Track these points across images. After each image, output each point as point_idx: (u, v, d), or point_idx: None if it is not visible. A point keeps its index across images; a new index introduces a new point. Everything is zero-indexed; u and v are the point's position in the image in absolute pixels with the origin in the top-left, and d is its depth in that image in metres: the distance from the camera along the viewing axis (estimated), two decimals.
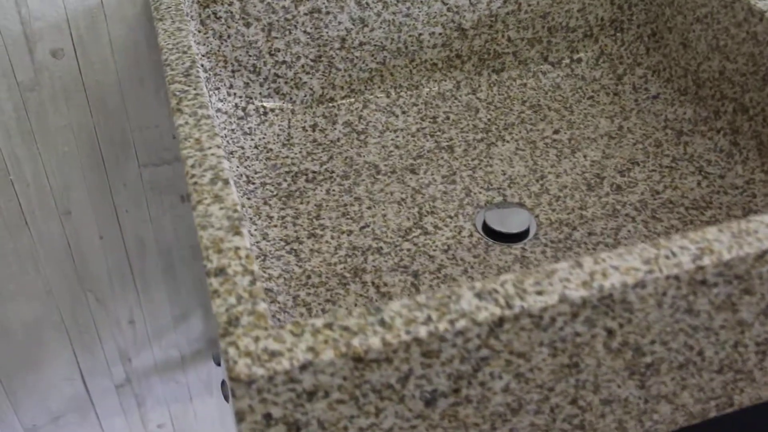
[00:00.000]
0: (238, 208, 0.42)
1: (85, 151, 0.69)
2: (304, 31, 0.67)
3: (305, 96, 0.70)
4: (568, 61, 0.78)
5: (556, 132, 0.71)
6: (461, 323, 0.36)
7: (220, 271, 0.38)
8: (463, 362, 0.38)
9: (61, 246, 0.74)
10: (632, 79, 0.77)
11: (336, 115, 0.70)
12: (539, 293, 0.37)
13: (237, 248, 0.40)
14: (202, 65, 0.64)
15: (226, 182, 0.43)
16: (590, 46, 0.78)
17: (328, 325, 0.35)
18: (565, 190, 0.65)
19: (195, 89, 0.51)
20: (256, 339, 0.35)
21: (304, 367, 0.34)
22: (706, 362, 0.47)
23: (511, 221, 0.62)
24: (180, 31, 0.57)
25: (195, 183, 0.43)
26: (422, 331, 0.35)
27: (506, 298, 0.37)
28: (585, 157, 0.69)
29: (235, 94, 0.67)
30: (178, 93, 0.50)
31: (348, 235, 0.60)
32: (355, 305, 0.55)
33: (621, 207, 0.64)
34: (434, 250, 0.60)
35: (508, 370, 0.39)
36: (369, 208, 0.63)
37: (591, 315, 0.39)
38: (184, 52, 0.55)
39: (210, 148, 0.46)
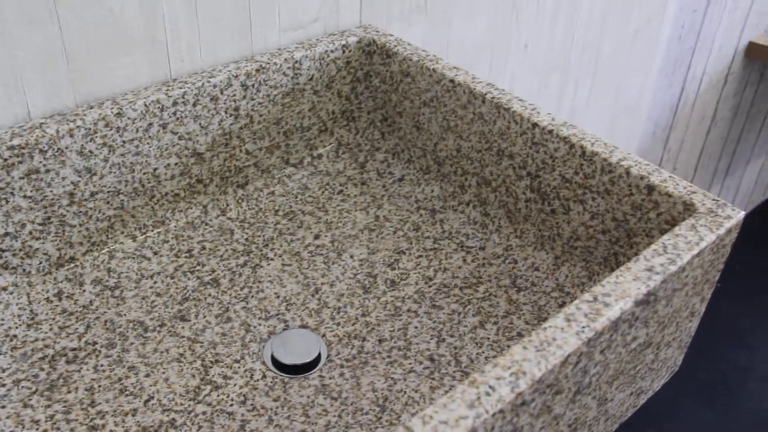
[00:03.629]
0: None
1: None
2: (24, 196, 0.59)
3: (41, 263, 0.62)
4: (309, 159, 0.77)
5: (317, 237, 0.70)
6: None
7: None
8: None
9: None
10: (375, 165, 0.77)
11: (81, 275, 0.63)
12: None
13: None
14: None
15: None
16: (327, 140, 0.78)
17: None
18: (343, 299, 0.64)
19: None
20: None
21: None
22: None
23: (299, 348, 0.60)
24: None
25: None
26: None
27: None
28: (352, 257, 0.68)
29: None
30: None
31: (133, 415, 0.54)
32: None
33: (401, 303, 0.64)
34: (231, 405, 0.55)
35: None
36: (147, 375, 0.57)
37: None
38: None
39: None
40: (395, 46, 0.73)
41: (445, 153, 0.72)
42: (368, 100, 0.77)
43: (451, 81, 0.68)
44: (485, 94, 0.66)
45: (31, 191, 0.59)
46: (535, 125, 0.63)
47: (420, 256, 0.68)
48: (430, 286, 0.66)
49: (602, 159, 0.60)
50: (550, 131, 0.62)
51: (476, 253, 0.68)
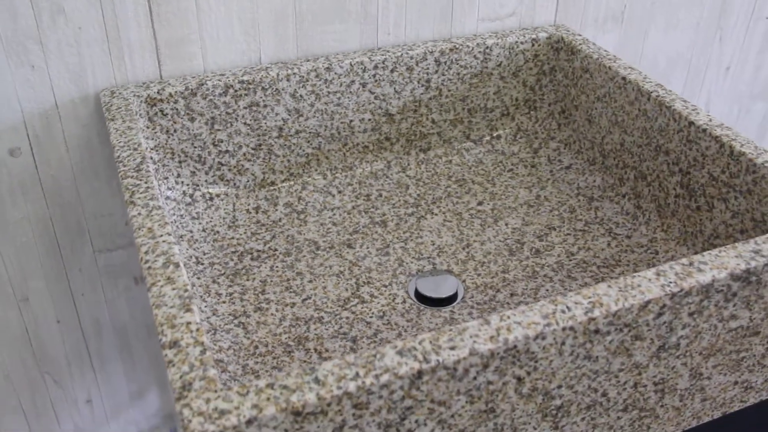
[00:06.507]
0: (189, 287, 0.47)
1: (42, 240, 0.74)
2: (245, 123, 0.73)
3: (248, 181, 0.76)
4: (488, 138, 0.85)
5: (480, 203, 0.78)
6: (385, 377, 0.41)
7: (174, 344, 0.43)
8: (390, 412, 0.43)
9: (19, 331, 0.78)
10: (547, 152, 0.85)
11: (277, 197, 0.77)
12: (452, 348, 0.43)
13: (188, 323, 0.45)
14: (152, 158, 0.70)
15: (177, 265, 0.49)
16: (508, 124, 0.86)
17: (270, 385, 0.41)
18: (489, 256, 0.72)
19: (146, 183, 0.56)
20: (207, 400, 0.40)
21: (250, 422, 0.39)
22: (611, 402, 0.53)
23: (440, 287, 0.69)
24: (130, 129, 0.63)
25: (149, 267, 0.48)
26: (351, 386, 0.41)
27: (424, 353, 0.43)
28: (506, 225, 0.76)
29: (182, 182, 0.73)
30: (130, 187, 0.56)
31: (291, 307, 0.66)
32: None
33: (540, 269, 0.71)
34: (371, 317, 0.65)
35: (431, 417, 0.45)
36: (310, 281, 0.68)
37: (500, 365, 0.45)
38: (135, 149, 0.60)
39: (161, 235, 0.51)
40: (580, 44, 0.80)
41: (611, 146, 0.78)
42: (550, 92, 0.85)
43: (623, 78, 0.74)
44: (651, 92, 0.71)
45: (250, 120, 0.73)
46: (691, 123, 0.67)
47: (568, 234, 0.75)
48: (570, 260, 0.72)
49: (748, 159, 0.63)
50: (704, 130, 0.66)
51: (621, 240, 0.73)
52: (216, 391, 0.40)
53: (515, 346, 0.45)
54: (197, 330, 0.44)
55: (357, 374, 0.41)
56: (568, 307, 0.47)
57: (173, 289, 0.47)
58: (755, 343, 0.58)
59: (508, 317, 0.46)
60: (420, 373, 0.42)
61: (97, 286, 0.79)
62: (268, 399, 0.40)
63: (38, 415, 0.84)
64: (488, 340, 0.44)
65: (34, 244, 0.74)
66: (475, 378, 0.45)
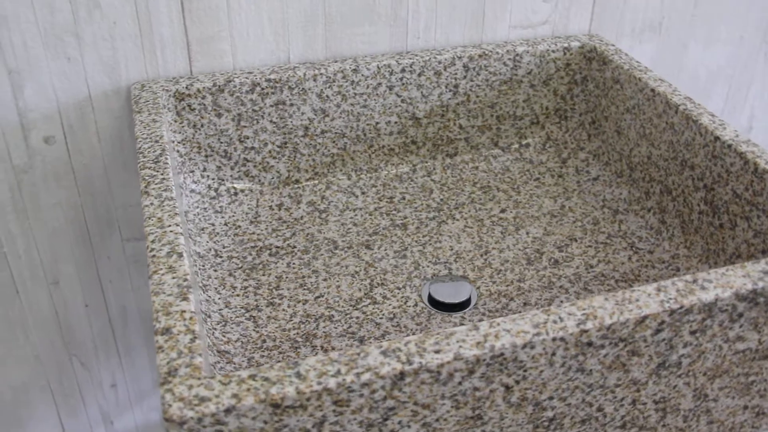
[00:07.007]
0: (188, 277, 0.48)
1: (73, 227, 0.77)
2: (271, 121, 0.74)
3: (272, 178, 0.77)
4: (517, 146, 0.85)
5: (502, 211, 0.78)
6: (366, 376, 0.42)
7: (166, 331, 0.45)
8: (372, 411, 0.43)
9: (49, 314, 0.81)
10: (575, 163, 0.84)
11: (300, 195, 0.78)
12: (437, 351, 0.44)
13: (183, 311, 0.46)
14: (178, 151, 0.72)
15: (180, 255, 0.50)
16: (537, 133, 0.85)
17: (252, 376, 0.41)
18: (506, 264, 0.72)
19: (162, 174, 0.58)
20: (190, 387, 0.41)
21: (228, 411, 0.40)
22: (608, 418, 0.53)
23: (454, 292, 0.69)
24: (155, 122, 0.65)
25: (153, 256, 0.50)
26: (332, 383, 0.41)
27: (407, 355, 0.43)
28: (528, 234, 0.75)
29: (208, 176, 0.75)
30: (147, 177, 0.57)
31: (303, 304, 0.67)
32: None
33: (556, 280, 0.70)
34: (381, 318, 0.66)
35: (415, 419, 0.45)
36: (325, 279, 0.69)
37: (486, 371, 0.45)
38: (156, 141, 0.62)
39: (170, 226, 0.52)
40: (612, 54, 0.79)
41: (638, 159, 0.77)
42: (582, 102, 0.84)
43: (652, 90, 0.73)
44: (679, 106, 0.70)
45: (276, 118, 0.74)
46: (717, 138, 0.66)
47: (589, 246, 0.74)
48: (588, 272, 0.71)
49: None
50: (730, 146, 0.65)
51: (643, 255, 0.72)
52: (199, 379, 0.41)
53: (502, 354, 0.45)
54: (190, 318, 0.46)
55: (338, 371, 0.42)
56: (560, 318, 0.47)
57: (173, 277, 0.48)
58: (766, 367, 0.57)
59: (498, 324, 0.46)
60: (402, 374, 0.43)
61: (124, 273, 0.81)
62: (249, 389, 0.41)
63: (65, 395, 0.87)
64: (474, 345, 0.44)
65: (66, 229, 0.77)
66: (460, 383, 0.45)
